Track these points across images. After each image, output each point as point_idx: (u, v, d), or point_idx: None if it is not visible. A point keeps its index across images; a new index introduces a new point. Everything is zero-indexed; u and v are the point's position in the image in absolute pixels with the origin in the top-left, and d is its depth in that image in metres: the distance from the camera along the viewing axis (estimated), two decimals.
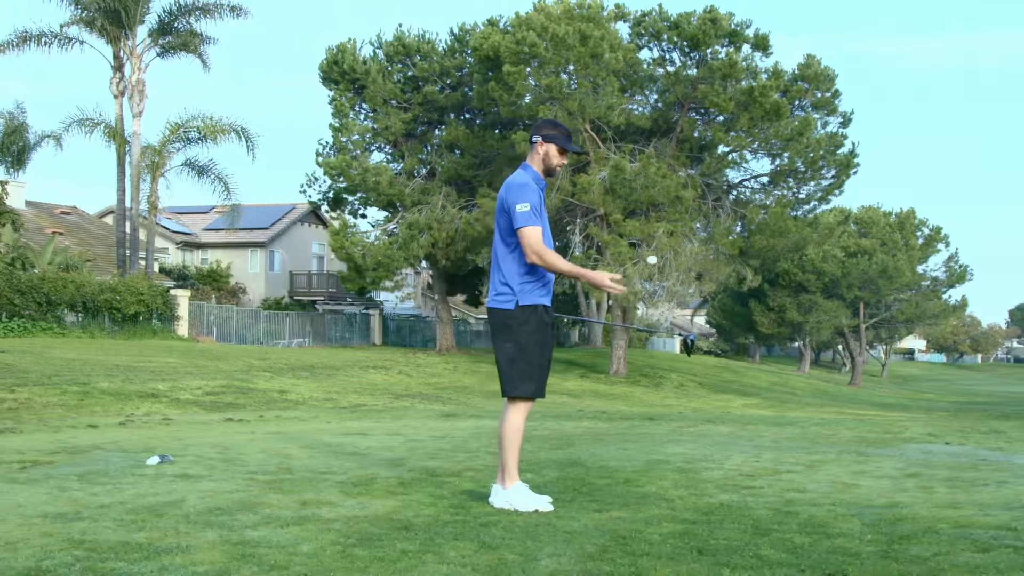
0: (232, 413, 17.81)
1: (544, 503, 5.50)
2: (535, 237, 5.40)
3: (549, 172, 5.71)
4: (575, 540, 4.71)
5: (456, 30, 44.41)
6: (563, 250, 44.99)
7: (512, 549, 4.49)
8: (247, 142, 41.23)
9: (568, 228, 42.52)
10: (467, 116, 44.99)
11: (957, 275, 74.70)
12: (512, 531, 4.94)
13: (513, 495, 5.54)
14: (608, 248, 38.28)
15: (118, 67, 40.61)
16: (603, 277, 5.54)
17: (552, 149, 5.65)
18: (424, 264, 48.85)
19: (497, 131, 42.30)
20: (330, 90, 43.22)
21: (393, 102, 42.92)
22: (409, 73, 43.68)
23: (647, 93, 42.22)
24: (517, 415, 5.59)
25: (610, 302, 43.03)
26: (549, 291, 5.67)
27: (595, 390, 36.69)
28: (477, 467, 7.56)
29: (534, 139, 5.69)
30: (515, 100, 38.31)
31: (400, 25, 44.97)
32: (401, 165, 43.85)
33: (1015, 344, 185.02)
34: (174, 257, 55.27)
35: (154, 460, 7.47)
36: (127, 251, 40.74)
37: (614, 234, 38.53)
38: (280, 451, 8.46)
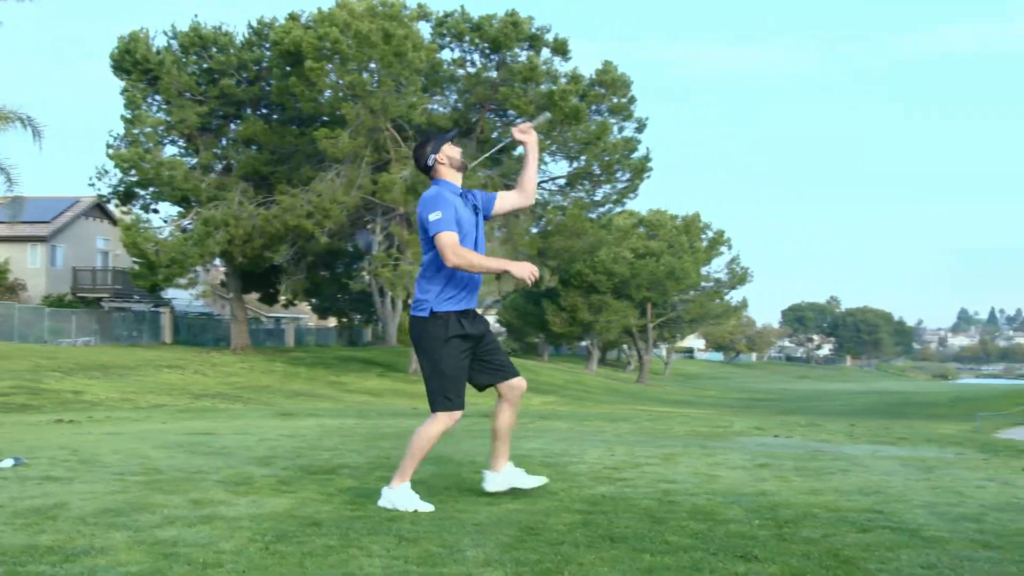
0: (26, 416, 17.05)
1: (425, 507, 5.52)
2: (450, 240, 5.39)
3: (461, 169, 5.74)
4: (487, 532, 4.78)
5: (255, 23, 43.53)
6: (365, 247, 44.79)
7: (432, 542, 4.53)
8: (33, 131, 39.24)
9: (369, 226, 42.32)
10: (265, 111, 44.15)
11: (739, 277, 77.98)
12: (422, 525, 4.98)
13: (395, 495, 5.56)
14: (409, 247, 38.31)
15: None
16: (524, 269, 5.49)
17: (446, 150, 5.70)
18: (218, 261, 47.70)
19: (296, 127, 41.72)
20: (122, 80, 41.57)
21: (188, 94, 41.71)
22: (205, 65, 42.53)
23: (448, 93, 42.48)
24: (432, 426, 5.66)
25: (409, 300, 42.88)
26: (469, 298, 5.68)
27: (396, 389, 36.69)
28: (350, 464, 7.53)
29: (430, 162, 5.71)
30: (316, 96, 37.93)
31: (196, 16, 43.73)
32: (196, 159, 42.62)
33: (787, 343, 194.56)
34: None
35: (8, 463, 7.11)
36: None
37: (415, 233, 38.57)
38: (134, 451, 8.18)
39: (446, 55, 41.20)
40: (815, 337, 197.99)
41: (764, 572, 4.06)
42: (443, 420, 5.64)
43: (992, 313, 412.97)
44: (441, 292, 5.58)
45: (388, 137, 38.83)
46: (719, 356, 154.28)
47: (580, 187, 43.09)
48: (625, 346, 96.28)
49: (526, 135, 5.90)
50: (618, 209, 46.49)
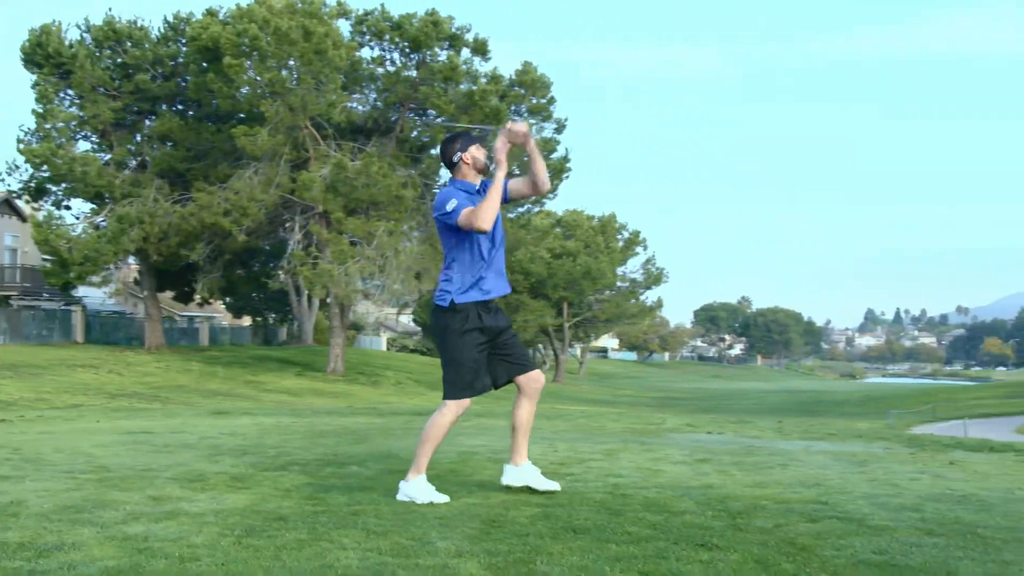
0: None
1: (441, 498, 5.61)
2: (468, 212, 5.54)
3: (484, 171, 5.86)
4: (451, 525, 4.86)
5: (171, 18, 42.88)
6: (282, 246, 44.44)
7: (400, 535, 4.59)
8: None
9: (287, 225, 42.00)
10: (181, 107, 43.52)
11: (654, 277, 78.85)
12: (387, 518, 5.04)
13: (412, 488, 5.66)
14: (329, 246, 38.12)
15: None
16: (515, 136, 5.68)
17: (473, 151, 5.81)
18: (132, 259, 46.93)
19: (213, 124, 41.19)
20: (33, 74, 40.65)
21: (102, 89, 40.92)
22: (119, 60, 41.75)
23: (367, 92, 42.31)
24: (442, 415, 5.79)
25: (328, 299, 42.71)
26: (492, 289, 5.81)
27: (315, 388, 36.47)
28: (298, 461, 7.54)
29: (455, 159, 5.81)
30: (234, 93, 37.54)
31: (110, 9, 42.80)
32: (110, 156, 41.84)
33: (699, 343, 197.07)
34: None
35: None
36: None
37: (334, 232, 38.42)
38: (77, 450, 8.08)
39: (366, 53, 41.05)
40: (727, 337, 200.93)
41: (727, 559, 4.20)
42: (453, 409, 5.77)
43: (898, 313, 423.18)
44: (462, 284, 5.72)
45: (307, 135, 38.61)
46: (632, 356, 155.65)
47: None
48: (541, 346, 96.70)
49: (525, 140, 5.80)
50: (536, 209, 46.75)
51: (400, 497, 5.66)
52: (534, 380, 6.04)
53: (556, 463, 7.70)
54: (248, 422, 12.22)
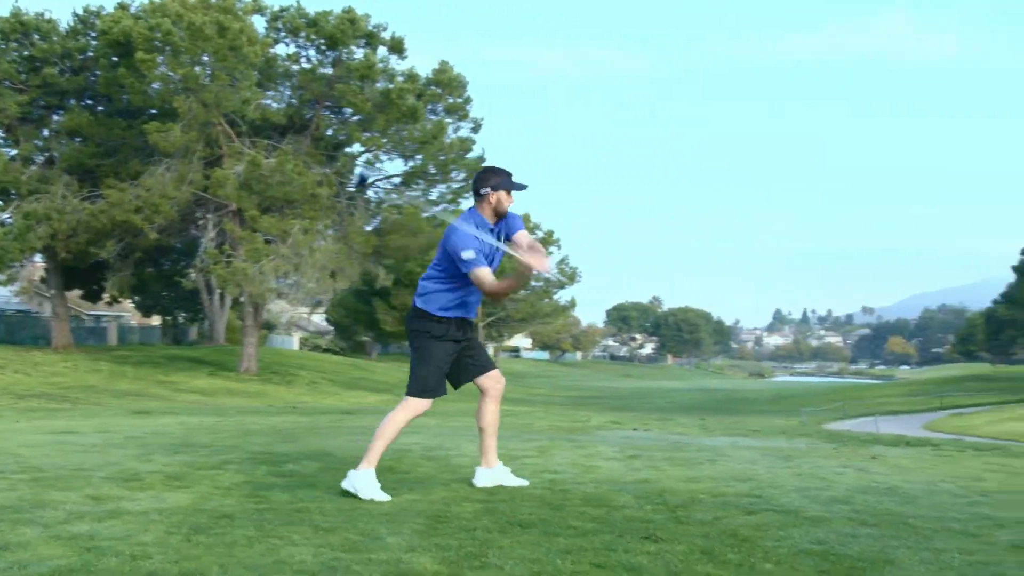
0: None
1: (383, 496, 5.68)
2: (483, 275, 5.73)
3: (501, 216, 6.00)
4: (397, 521, 4.90)
5: (80, 11, 41.98)
6: (194, 244, 43.83)
7: (348, 531, 4.62)
8: None
9: (200, 223, 41.42)
10: (91, 102, 42.62)
11: (568, 276, 79.25)
12: (332, 515, 5.06)
13: (359, 479, 5.78)
14: (243, 244, 37.69)
15: None
16: (538, 265, 5.64)
17: (502, 195, 5.95)
18: (39, 257, 45.90)
19: (124, 119, 40.38)
20: None
21: (7, 83, 39.90)
22: (27, 53, 40.77)
23: (282, 89, 41.89)
24: (401, 411, 6.00)
25: (242, 298, 42.18)
26: (472, 308, 6.11)
27: (228, 388, 36.03)
28: (232, 460, 7.49)
29: (483, 191, 5.94)
30: (146, 88, 36.90)
31: (17, 1, 41.77)
32: (16, 151, 40.84)
33: (611, 342, 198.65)
34: None
35: None
36: None
37: (248, 230, 37.99)
38: (3, 450, 7.91)
39: (281, 50, 40.65)
40: (638, 336, 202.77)
41: (673, 551, 4.30)
42: (413, 407, 5.97)
43: (805, 313, 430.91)
44: (449, 301, 5.96)
45: (221, 132, 38.12)
46: (545, 355, 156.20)
47: (416, 186, 43.07)
48: None
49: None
50: (453, 208, 46.59)
51: (345, 484, 5.75)
52: (496, 380, 6.28)
53: None
54: (172, 421, 12.08)
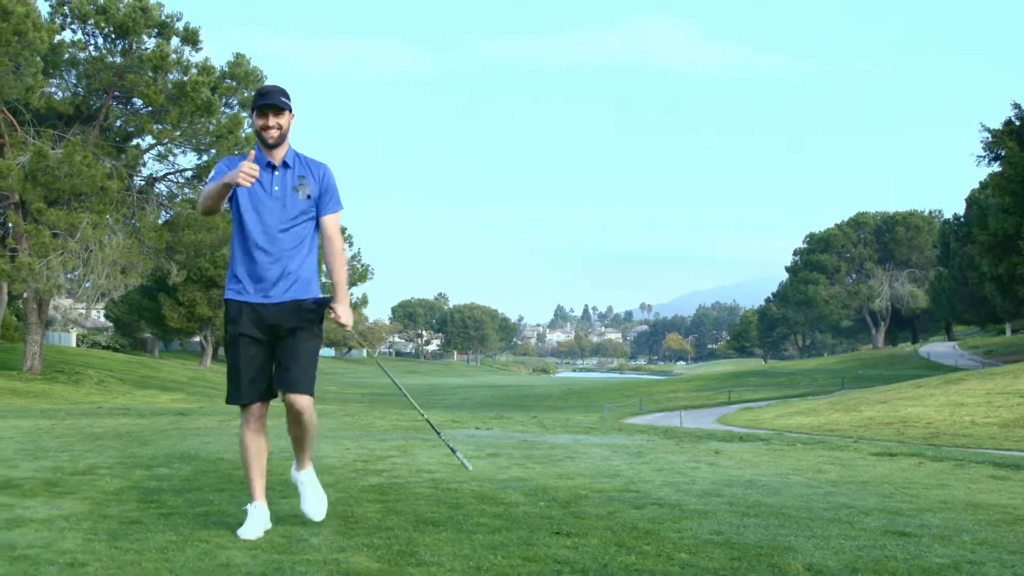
0: None
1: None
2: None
3: (269, 144, 5.09)
4: (308, 523, 4.94)
5: None
6: None
7: (270, 533, 4.69)
8: None
9: None
10: None
11: (359, 274, 78.93)
12: (238, 517, 5.03)
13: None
14: (29, 238, 36.13)
15: None
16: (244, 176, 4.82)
17: (256, 119, 5.10)
18: None
19: None
20: None
21: None
22: None
23: (68, 77, 40.32)
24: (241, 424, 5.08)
25: (25, 295, 40.36)
26: (256, 287, 5.08)
27: (12, 388, 34.44)
28: (100, 464, 7.33)
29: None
30: None
31: None
32: None
33: (397, 339, 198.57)
34: None
35: None
36: None
37: (33, 223, 36.43)
38: None
39: (67, 36, 39.12)
40: (424, 333, 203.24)
41: (589, 544, 4.53)
42: (240, 415, 5.08)
43: (586, 310, 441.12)
44: (229, 275, 5.22)
45: (2, 120, 36.42)
46: (331, 351, 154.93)
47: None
48: None
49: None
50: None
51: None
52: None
53: (360, 460, 7.85)
54: (7, 425, 11.58)
